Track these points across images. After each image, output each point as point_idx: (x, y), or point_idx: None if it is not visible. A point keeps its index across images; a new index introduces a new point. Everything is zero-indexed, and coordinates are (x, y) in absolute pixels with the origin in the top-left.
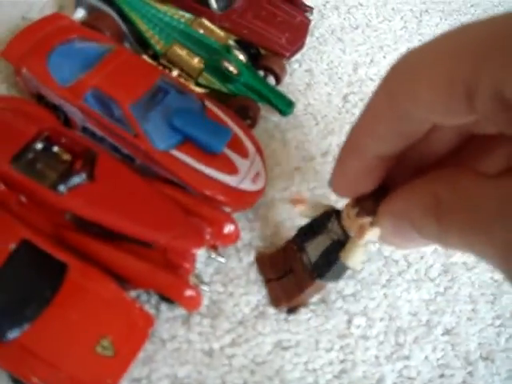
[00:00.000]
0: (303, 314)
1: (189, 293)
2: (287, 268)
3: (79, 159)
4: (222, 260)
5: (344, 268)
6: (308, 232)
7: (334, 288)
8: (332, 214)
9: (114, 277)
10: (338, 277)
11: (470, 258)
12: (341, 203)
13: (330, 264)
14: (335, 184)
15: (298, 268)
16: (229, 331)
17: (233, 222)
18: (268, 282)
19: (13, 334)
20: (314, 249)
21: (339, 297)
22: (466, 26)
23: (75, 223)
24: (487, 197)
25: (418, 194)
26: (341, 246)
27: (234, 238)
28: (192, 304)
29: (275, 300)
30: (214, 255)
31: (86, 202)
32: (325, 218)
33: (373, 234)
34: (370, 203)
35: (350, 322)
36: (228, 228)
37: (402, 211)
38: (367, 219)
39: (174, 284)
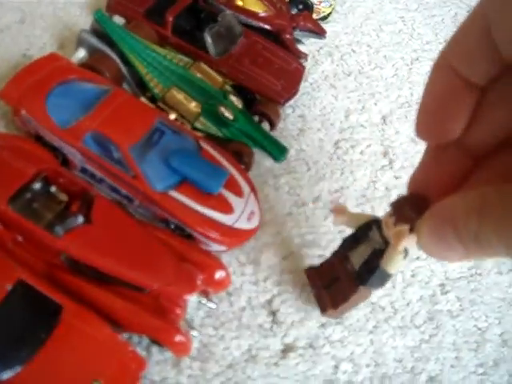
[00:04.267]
0: (292, 358)
1: (178, 338)
2: (334, 277)
3: (76, 200)
4: (213, 306)
5: (385, 275)
6: (351, 242)
7: (321, 333)
8: (373, 223)
9: (106, 320)
10: (380, 284)
11: (454, 306)
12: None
13: (371, 271)
14: (420, 123)
15: (343, 276)
16: (218, 374)
17: (224, 268)
18: (316, 291)
19: (6, 375)
20: (357, 257)
21: (327, 342)
22: None
23: (70, 265)
24: None
25: (464, 196)
26: (381, 254)
27: (225, 284)
28: (181, 349)
29: (323, 307)
30: (204, 301)
31: (82, 244)
32: (366, 228)
33: (410, 240)
34: (407, 211)
35: (336, 367)
36: (219, 274)
37: (446, 213)
38: (405, 226)
39: (164, 329)
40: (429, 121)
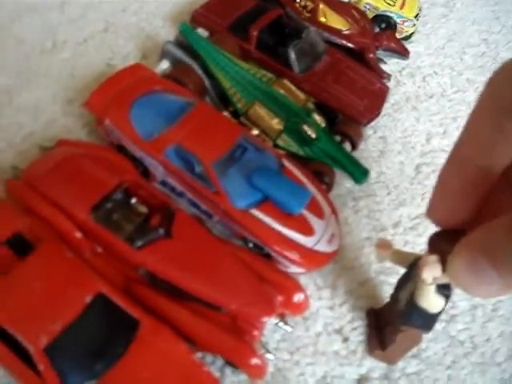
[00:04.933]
0: None
1: (255, 361)
2: (387, 320)
3: (156, 213)
4: (289, 329)
5: (425, 313)
6: (401, 282)
7: (397, 366)
8: (418, 261)
9: (181, 337)
10: (424, 324)
11: None
12: None
13: (410, 309)
14: (432, 209)
15: (394, 318)
16: None
17: (302, 291)
18: (369, 331)
19: None
20: (404, 297)
21: (402, 375)
22: None
23: (148, 279)
24: None
25: (499, 222)
26: None
27: (303, 307)
28: (257, 373)
29: (370, 348)
30: (281, 324)
31: (162, 259)
32: (413, 267)
33: (435, 270)
34: (440, 243)
35: None
36: (298, 297)
37: (479, 241)
38: (433, 257)
39: (240, 351)
40: (444, 211)
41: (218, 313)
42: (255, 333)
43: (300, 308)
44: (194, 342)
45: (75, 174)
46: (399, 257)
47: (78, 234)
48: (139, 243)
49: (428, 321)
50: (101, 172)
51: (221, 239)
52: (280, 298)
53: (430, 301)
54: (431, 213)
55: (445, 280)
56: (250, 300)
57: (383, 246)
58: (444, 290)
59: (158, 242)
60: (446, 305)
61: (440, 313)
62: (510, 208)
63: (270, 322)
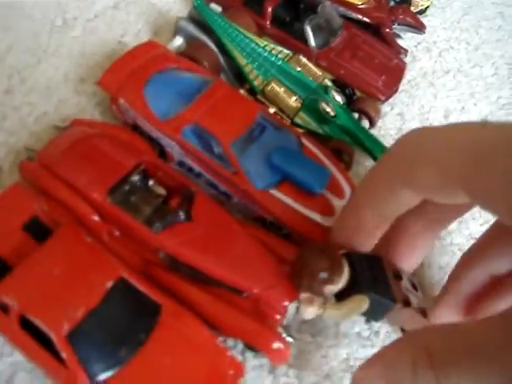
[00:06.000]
0: None
1: (277, 345)
2: None
3: (174, 195)
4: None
5: None
6: None
7: None
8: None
9: (203, 321)
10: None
11: None
12: None
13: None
14: (334, 236)
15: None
16: None
17: None
18: None
19: (105, 375)
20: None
21: None
22: (467, 130)
23: (168, 262)
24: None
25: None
26: None
27: None
28: (280, 357)
29: None
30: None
31: (182, 242)
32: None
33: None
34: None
35: None
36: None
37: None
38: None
39: (263, 335)
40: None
41: (239, 297)
42: (277, 316)
43: None
44: (215, 327)
45: (91, 154)
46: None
47: (96, 217)
48: (158, 226)
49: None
50: (117, 153)
51: (240, 221)
52: None
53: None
54: (333, 239)
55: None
56: (272, 283)
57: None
58: None
59: (177, 225)
60: None
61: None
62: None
63: (292, 305)
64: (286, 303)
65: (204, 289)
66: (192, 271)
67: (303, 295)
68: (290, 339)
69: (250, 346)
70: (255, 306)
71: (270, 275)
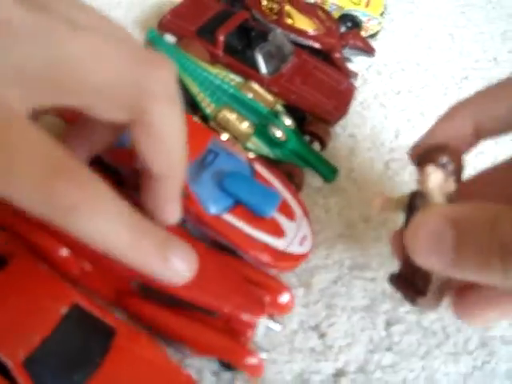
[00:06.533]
0: (344, 383)
1: (253, 360)
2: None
3: None
4: (279, 328)
5: None
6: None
7: (371, 358)
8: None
9: (177, 343)
10: None
11: (508, 332)
12: None
13: None
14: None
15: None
16: None
17: (288, 290)
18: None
19: None
20: None
21: (378, 367)
22: None
23: (141, 291)
24: None
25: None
26: None
27: (289, 307)
28: (255, 371)
29: (411, 301)
30: (271, 324)
31: None
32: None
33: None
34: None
35: None
36: (284, 297)
37: (461, 221)
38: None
39: (238, 352)
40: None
41: (211, 317)
42: (249, 333)
43: (286, 308)
44: (193, 348)
45: None
46: (393, 201)
47: (64, 252)
48: None
49: None
50: None
51: (204, 244)
52: (267, 298)
53: None
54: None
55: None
56: (241, 302)
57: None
58: None
59: None
60: None
61: None
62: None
63: (261, 321)
64: (256, 319)
65: (178, 313)
66: (164, 296)
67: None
68: (263, 355)
69: (225, 364)
70: (227, 325)
71: (238, 294)
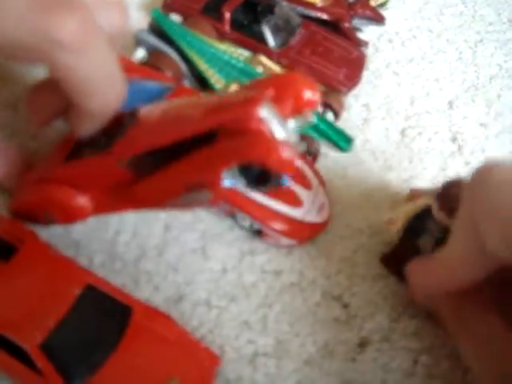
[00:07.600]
0: (368, 352)
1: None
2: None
3: None
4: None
5: None
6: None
7: (396, 326)
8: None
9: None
10: None
11: None
12: None
13: None
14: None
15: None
16: (295, 371)
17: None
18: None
19: (81, 379)
20: (427, 242)
21: (403, 336)
22: None
23: (132, 167)
24: None
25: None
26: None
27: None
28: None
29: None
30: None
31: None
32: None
33: None
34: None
35: (415, 361)
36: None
37: None
38: None
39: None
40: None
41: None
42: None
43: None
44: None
45: None
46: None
47: None
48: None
49: None
50: None
51: None
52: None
53: None
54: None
55: None
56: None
57: (391, 223)
58: None
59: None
60: None
61: None
62: None
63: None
64: None
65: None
66: (156, 155)
67: None
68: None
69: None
70: None
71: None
